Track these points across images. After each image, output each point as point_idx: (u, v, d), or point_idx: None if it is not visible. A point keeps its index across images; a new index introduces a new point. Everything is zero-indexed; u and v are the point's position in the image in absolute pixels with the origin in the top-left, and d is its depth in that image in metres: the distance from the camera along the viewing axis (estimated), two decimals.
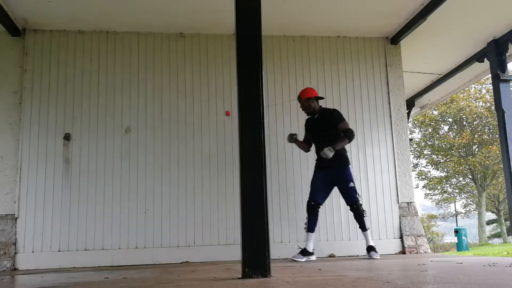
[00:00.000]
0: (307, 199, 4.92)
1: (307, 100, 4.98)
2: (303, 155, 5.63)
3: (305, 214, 4.91)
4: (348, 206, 4.87)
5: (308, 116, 5.13)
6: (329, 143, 4.78)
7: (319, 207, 4.87)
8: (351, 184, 4.81)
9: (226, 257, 5.25)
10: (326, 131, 4.91)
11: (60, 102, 5.51)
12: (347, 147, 4.96)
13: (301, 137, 5.17)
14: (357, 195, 4.83)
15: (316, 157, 5.03)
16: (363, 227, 4.81)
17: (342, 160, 4.84)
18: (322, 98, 5.12)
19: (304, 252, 4.75)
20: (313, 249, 4.82)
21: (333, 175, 4.86)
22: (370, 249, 4.77)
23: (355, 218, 4.83)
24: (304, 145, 5.14)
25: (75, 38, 5.69)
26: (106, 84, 5.63)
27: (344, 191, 4.85)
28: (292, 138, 5.05)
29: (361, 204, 4.83)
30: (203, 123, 5.68)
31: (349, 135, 4.86)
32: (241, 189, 2.78)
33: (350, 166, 4.92)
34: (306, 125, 5.20)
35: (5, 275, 4.32)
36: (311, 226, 4.82)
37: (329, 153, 4.71)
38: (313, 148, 5.13)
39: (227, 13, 3.77)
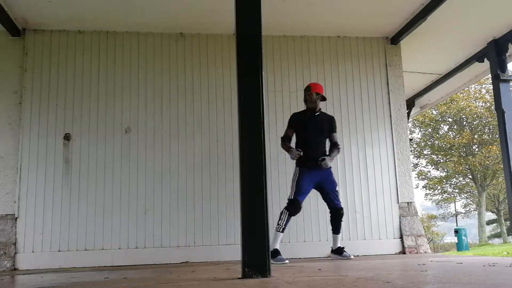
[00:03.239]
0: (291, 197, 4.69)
1: (316, 94, 4.77)
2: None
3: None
4: (330, 209, 4.79)
5: (298, 113, 4.91)
6: (320, 148, 4.73)
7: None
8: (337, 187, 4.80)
9: (226, 257, 5.25)
10: (321, 135, 4.80)
11: (60, 102, 5.51)
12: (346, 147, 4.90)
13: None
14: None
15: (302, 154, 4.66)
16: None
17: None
18: (325, 99, 4.94)
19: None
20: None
21: (320, 176, 4.72)
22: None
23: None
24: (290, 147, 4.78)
25: (75, 38, 5.69)
26: (106, 84, 5.63)
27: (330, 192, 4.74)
28: (298, 155, 4.62)
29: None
30: (203, 123, 5.68)
31: (338, 148, 4.85)
32: (241, 189, 2.78)
33: None
34: (295, 120, 4.81)
35: (5, 275, 4.32)
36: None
37: (330, 163, 4.65)
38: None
39: (227, 13, 3.78)
